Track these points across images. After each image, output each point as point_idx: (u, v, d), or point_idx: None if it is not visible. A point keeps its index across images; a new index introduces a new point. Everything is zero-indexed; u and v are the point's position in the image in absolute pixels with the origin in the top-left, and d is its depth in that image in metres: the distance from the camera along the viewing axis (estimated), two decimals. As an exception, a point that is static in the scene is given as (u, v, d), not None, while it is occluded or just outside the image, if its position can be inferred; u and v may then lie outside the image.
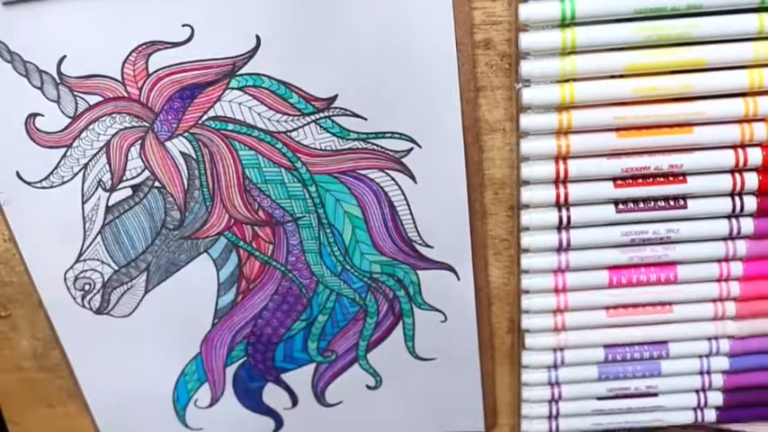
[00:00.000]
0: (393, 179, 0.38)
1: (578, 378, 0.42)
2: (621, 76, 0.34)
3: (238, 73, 0.35)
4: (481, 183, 0.38)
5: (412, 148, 0.37)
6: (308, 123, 0.36)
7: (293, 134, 0.37)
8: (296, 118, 0.36)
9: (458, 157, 0.37)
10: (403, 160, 0.37)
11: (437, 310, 0.41)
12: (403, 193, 0.38)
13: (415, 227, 0.39)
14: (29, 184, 0.38)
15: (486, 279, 0.41)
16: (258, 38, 0.34)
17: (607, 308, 0.40)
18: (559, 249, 0.38)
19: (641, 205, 0.37)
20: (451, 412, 0.45)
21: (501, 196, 0.38)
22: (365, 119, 0.36)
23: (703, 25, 0.32)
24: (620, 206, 0.37)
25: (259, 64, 0.35)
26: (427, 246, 0.39)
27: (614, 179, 0.36)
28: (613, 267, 0.39)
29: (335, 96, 0.36)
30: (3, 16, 0.34)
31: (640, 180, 0.36)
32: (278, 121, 0.36)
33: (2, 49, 0.35)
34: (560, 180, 0.36)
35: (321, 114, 0.36)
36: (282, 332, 0.42)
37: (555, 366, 0.42)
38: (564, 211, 0.37)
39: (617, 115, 0.34)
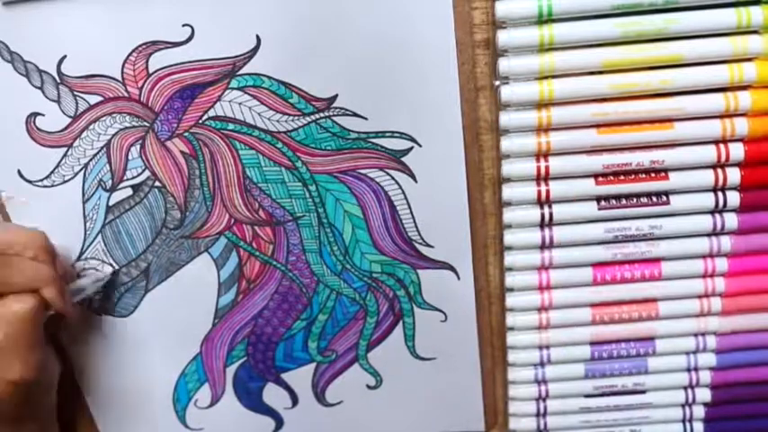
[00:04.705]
0: (393, 178, 0.38)
1: (565, 376, 0.42)
2: (601, 73, 0.34)
3: (238, 73, 0.35)
4: (481, 182, 0.38)
5: (412, 148, 0.37)
6: (308, 123, 0.36)
7: (293, 134, 0.37)
8: (296, 118, 0.36)
9: (458, 157, 0.37)
10: (403, 159, 0.37)
11: (437, 309, 0.41)
12: (403, 193, 0.38)
13: (416, 226, 0.39)
14: (30, 182, 0.38)
15: (486, 279, 0.41)
16: (258, 38, 0.34)
17: (592, 305, 0.40)
18: (542, 247, 0.38)
19: (623, 202, 0.36)
20: (451, 412, 0.45)
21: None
22: (365, 118, 0.36)
23: (681, 20, 0.32)
24: (603, 203, 0.37)
25: (259, 64, 0.35)
26: (427, 245, 0.39)
27: (596, 176, 0.36)
28: (597, 264, 0.38)
29: (335, 96, 0.36)
30: (3, 16, 0.34)
31: (622, 177, 0.36)
32: (278, 121, 0.36)
33: (2, 49, 0.35)
34: (541, 177, 0.36)
35: (321, 114, 0.36)
36: (283, 332, 0.42)
37: (541, 364, 0.41)
38: (546, 209, 0.37)
39: (597, 112, 0.34)
